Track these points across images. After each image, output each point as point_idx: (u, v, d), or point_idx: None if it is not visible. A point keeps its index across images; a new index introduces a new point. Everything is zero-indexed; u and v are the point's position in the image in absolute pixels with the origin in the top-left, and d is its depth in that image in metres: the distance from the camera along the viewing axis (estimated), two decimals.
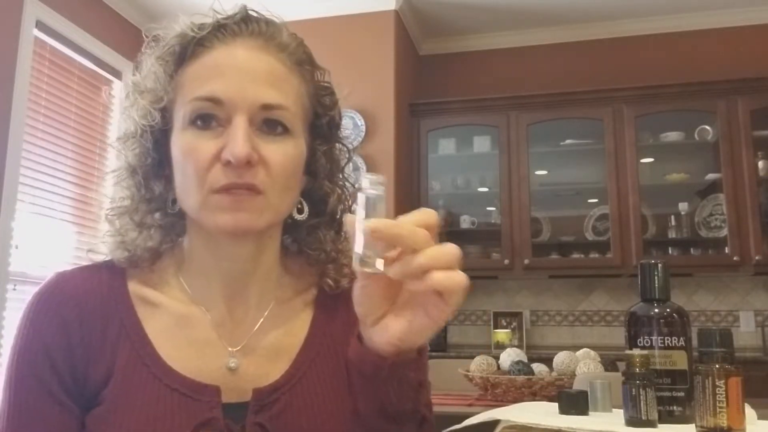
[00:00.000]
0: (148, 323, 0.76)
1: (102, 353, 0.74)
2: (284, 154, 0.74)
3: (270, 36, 0.76)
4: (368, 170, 3.84)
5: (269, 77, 0.74)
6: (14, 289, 3.23)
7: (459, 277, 0.58)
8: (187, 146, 0.73)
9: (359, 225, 0.58)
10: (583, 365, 2.08)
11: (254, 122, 0.72)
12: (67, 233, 3.61)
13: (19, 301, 3.26)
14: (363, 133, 3.88)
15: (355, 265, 0.59)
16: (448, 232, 4.30)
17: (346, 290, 0.81)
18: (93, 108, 3.85)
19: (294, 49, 0.78)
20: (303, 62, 0.79)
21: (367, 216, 0.58)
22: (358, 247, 0.58)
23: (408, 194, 4.13)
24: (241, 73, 0.73)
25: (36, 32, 3.45)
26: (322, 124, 0.81)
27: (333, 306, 0.83)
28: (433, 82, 4.57)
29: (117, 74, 4.03)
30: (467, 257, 4.28)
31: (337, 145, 0.84)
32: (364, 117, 3.86)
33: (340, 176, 0.84)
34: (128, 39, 4.07)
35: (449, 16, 4.31)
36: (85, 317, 0.75)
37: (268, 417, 0.73)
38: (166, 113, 0.76)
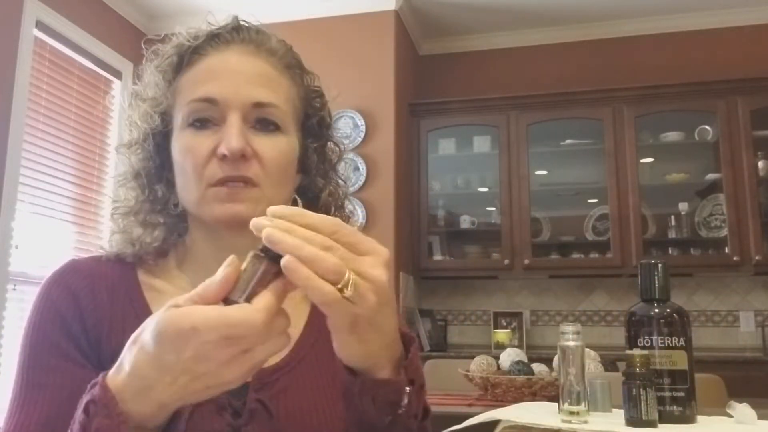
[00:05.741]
0: (155, 306, 0.79)
1: (112, 328, 0.77)
2: (277, 149, 0.79)
3: (260, 42, 0.82)
4: (368, 172, 3.85)
5: (260, 78, 0.80)
6: (14, 289, 3.23)
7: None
8: (185, 144, 0.78)
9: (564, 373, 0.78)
10: None
11: (248, 120, 0.78)
12: (67, 233, 3.62)
13: (19, 301, 3.26)
14: (363, 133, 3.88)
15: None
16: (449, 232, 4.30)
17: None
18: (93, 108, 3.85)
19: (283, 54, 0.83)
20: (292, 66, 0.84)
21: (570, 365, 0.79)
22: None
23: (408, 194, 4.13)
24: (234, 75, 0.79)
25: (36, 32, 3.45)
26: (312, 124, 0.86)
27: None
28: (433, 82, 4.57)
29: (117, 74, 4.03)
30: (467, 257, 4.29)
31: (329, 143, 0.89)
32: (364, 117, 3.86)
33: (333, 174, 0.89)
34: (128, 39, 4.08)
35: (449, 16, 4.31)
36: (96, 291, 0.78)
37: (269, 395, 0.77)
38: (165, 117, 0.81)
